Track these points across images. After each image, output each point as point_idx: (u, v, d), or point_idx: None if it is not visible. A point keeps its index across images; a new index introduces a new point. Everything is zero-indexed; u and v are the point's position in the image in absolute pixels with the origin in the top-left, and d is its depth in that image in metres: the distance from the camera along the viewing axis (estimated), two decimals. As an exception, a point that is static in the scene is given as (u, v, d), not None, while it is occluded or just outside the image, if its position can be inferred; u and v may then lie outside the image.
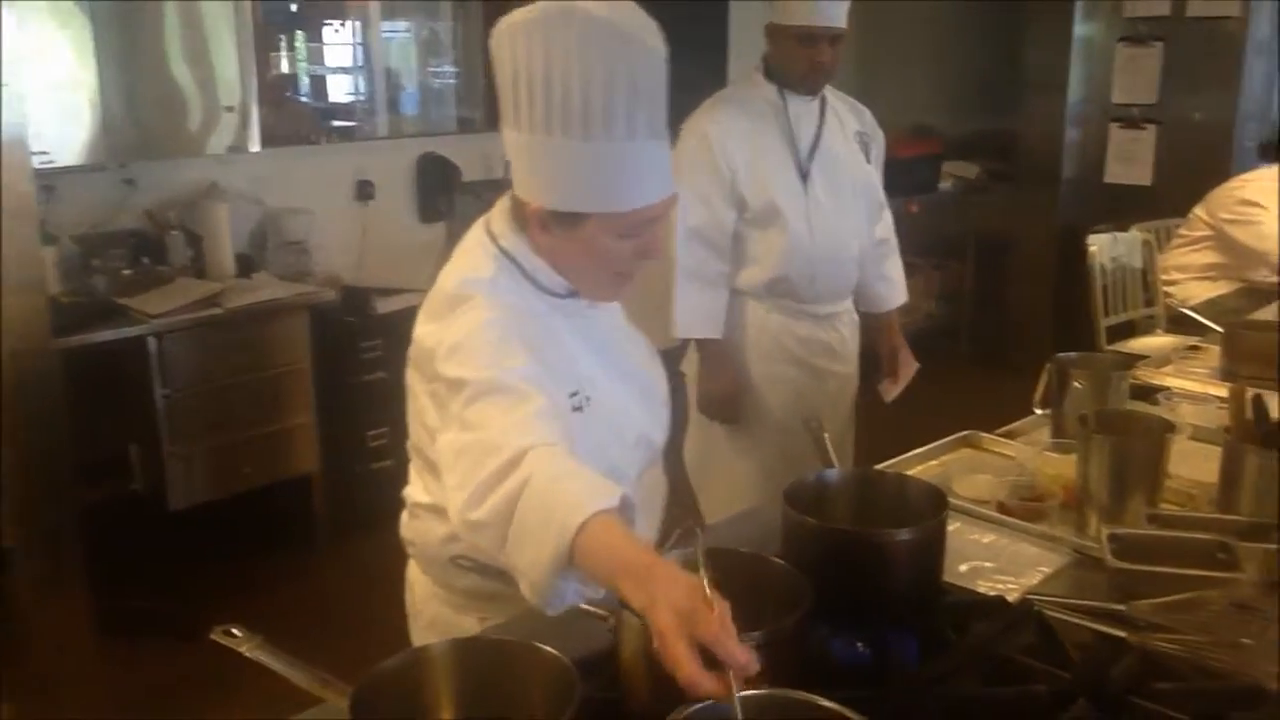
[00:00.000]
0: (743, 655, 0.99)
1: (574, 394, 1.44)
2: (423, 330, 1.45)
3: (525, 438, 1.23)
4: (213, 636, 1.18)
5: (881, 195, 2.90)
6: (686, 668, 0.99)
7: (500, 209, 1.51)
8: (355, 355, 4.06)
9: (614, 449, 1.51)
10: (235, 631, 1.18)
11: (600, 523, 1.13)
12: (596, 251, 1.41)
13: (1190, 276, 4.57)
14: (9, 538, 2.68)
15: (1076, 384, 1.96)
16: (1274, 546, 1.55)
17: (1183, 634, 1.42)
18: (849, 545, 1.43)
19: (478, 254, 1.49)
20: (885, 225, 2.94)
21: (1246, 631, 1.41)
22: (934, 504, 1.49)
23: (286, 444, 3.93)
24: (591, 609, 1.30)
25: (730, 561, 1.35)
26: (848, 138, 2.77)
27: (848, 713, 0.98)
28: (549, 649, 1.12)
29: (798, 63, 2.62)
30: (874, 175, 2.86)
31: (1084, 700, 1.24)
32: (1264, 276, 4.31)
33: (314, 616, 3.60)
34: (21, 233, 2.69)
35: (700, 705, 0.99)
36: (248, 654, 1.16)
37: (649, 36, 1.32)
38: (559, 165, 1.35)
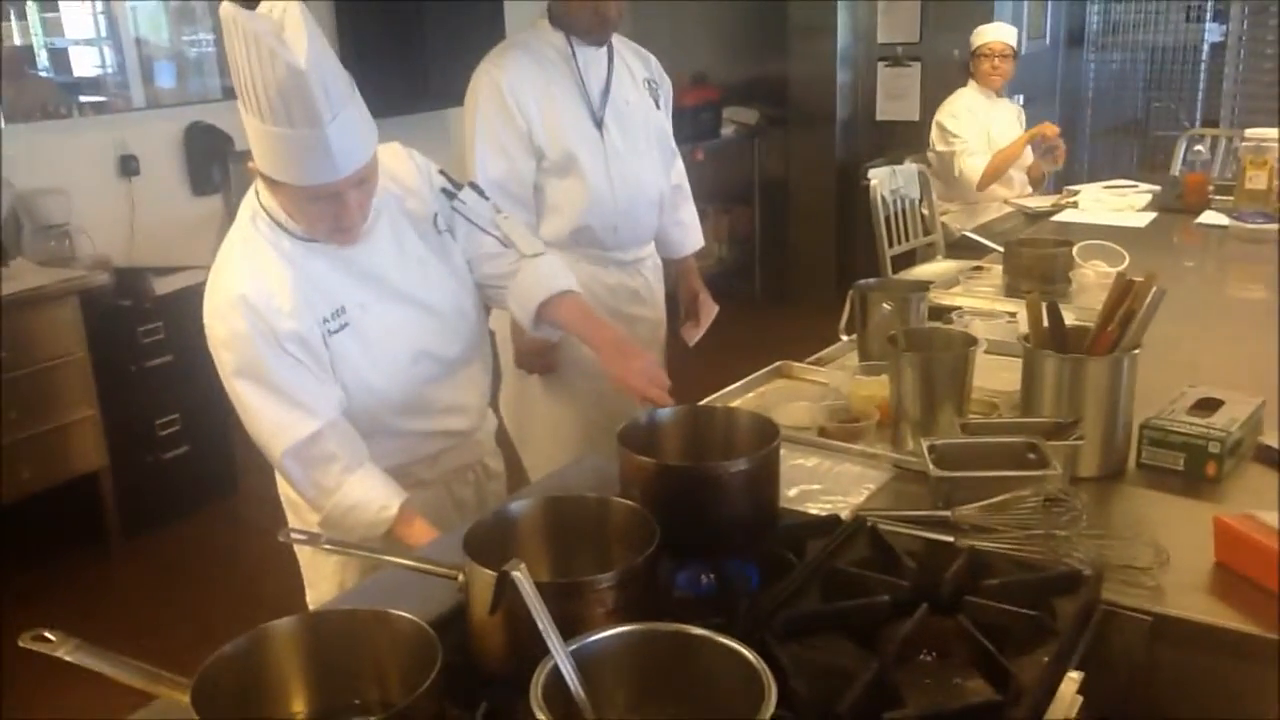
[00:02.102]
0: None
1: (329, 320, 1.72)
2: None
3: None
4: (22, 643, 1.08)
5: (672, 142, 2.91)
6: None
7: None
8: (136, 341, 3.80)
9: (383, 362, 1.78)
10: (49, 635, 1.08)
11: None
12: (299, 209, 1.66)
13: (957, 205, 4.84)
14: None
15: (885, 305, 2.03)
16: (1078, 442, 1.65)
17: (1003, 532, 1.50)
18: (687, 480, 1.44)
19: (240, 223, 1.74)
20: (678, 171, 2.96)
21: (1058, 523, 1.49)
22: (764, 433, 1.51)
23: (68, 441, 3.65)
24: (436, 569, 1.26)
25: (576, 507, 1.34)
26: (637, 85, 2.76)
27: (719, 638, 0.97)
28: (404, 614, 1.07)
29: (583, 14, 2.59)
30: (665, 122, 2.86)
31: (925, 605, 1.28)
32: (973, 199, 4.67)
33: (112, 621, 3.39)
34: None
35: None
36: (66, 657, 1.07)
37: (288, 51, 1.49)
38: (253, 136, 1.59)
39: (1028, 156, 4.71)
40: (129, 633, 3.20)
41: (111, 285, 3.78)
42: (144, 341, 3.81)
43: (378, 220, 1.78)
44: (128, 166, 4.32)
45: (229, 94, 4.68)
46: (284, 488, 1.91)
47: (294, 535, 1.30)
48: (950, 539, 1.48)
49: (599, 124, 2.66)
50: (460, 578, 1.21)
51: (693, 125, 5.93)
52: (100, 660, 1.06)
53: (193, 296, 3.60)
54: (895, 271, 4.28)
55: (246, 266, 1.69)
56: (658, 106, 2.82)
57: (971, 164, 4.64)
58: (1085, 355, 1.75)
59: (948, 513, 1.54)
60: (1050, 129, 4.63)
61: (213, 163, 4.55)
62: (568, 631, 1.12)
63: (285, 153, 1.57)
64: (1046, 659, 1.20)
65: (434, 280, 1.86)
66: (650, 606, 1.22)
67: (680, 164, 2.98)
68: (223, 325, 1.68)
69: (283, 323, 1.67)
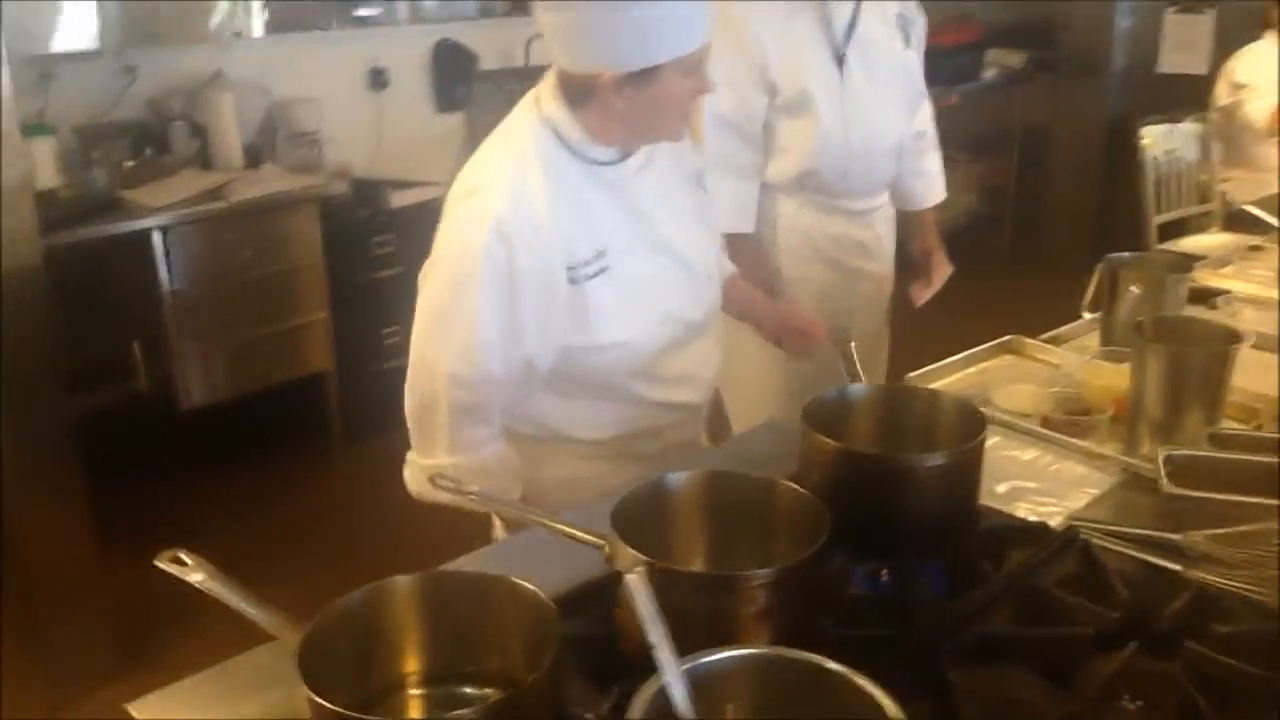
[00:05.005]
0: None
1: (589, 262, 1.61)
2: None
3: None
4: (158, 563, 1.06)
5: (921, 83, 2.69)
6: None
7: (549, 84, 1.64)
8: (368, 251, 3.93)
9: (634, 315, 1.66)
10: (184, 558, 1.06)
11: None
12: (668, 99, 1.59)
13: (1241, 172, 4.37)
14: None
15: (1132, 288, 1.79)
16: (1352, 472, 1.40)
17: (1242, 568, 1.28)
18: (873, 470, 1.29)
19: (516, 135, 1.63)
20: (924, 116, 2.74)
21: (1315, 567, 1.27)
22: (970, 424, 1.34)
23: (300, 342, 3.83)
24: (584, 535, 1.18)
25: (740, 486, 1.22)
26: (887, 20, 2.56)
27: (856, 678, 0.83)
28: (525, 584, 1.00)
29: None
30: (914, 61, 2.64)
31: (1135, 644, 1.10)
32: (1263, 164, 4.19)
33: (328, 521, 3.55)
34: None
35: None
36: (197, 584, 1.05)
37: None
38: (624, 29, 1.51)
39: None
40: (341, 542, 3.34)
41: (350, 195, 3.90)
42: (376, 252, 3.93)
43: (656, 157, 1.72)
44: (377, 80, 4.44)
45: (485, 11, 4.80)
46: None
47: (442, 484, 1.25)
48: (1177, 567, 1.29)
49: (840, 61, 2.48)
50: (606, 549, 1.12)
51: (950, 67, 5.60)
52: (227, 591, 1.04)
53: (426, 212, 3.68)
54: (1161, 241, 3.92)
55: (512, 190, 1.57)
56: (907, 44, 2.61)
57: (1257, 107, 4.19)
58: (1378, 366, 1.48)
59: (1178, 536, 1.34)
60: None
61: (458, 80, 4.61)
62: (714, 627, 1.03)
63: (658, 28, 1.53)
64: (1276, 735, 1.01)
65: (691, 235, 1.79)
66: (808, 608, 1.10)
67: (929, 108, 2.76)
68: (462, 235, 1.59)
69: (525, 259, 1.55)
